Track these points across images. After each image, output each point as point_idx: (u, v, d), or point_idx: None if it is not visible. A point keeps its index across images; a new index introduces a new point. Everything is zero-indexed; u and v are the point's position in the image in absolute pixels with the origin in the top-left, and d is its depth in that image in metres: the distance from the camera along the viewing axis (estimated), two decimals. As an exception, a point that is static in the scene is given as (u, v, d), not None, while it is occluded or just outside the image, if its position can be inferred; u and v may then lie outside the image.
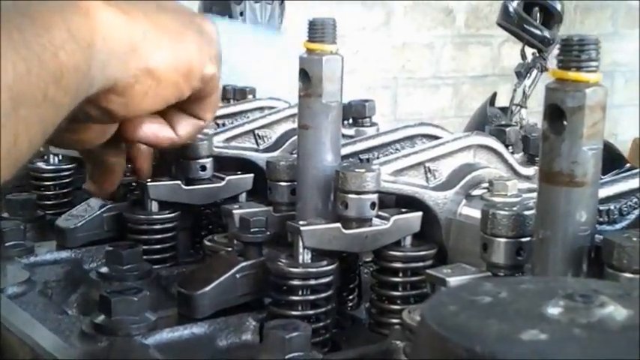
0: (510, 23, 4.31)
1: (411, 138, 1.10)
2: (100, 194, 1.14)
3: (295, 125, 1.25)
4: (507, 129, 1.14)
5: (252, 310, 0.98)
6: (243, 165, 1.23)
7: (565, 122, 0.75)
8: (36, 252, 1.14)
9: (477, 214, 1.00)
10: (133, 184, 1.20)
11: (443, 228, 1.01)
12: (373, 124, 1.35)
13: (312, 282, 0.94)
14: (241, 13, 3.07)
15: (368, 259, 1.08)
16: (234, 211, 1.03)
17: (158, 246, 1.15)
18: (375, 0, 5.06)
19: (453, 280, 0.80)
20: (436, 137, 1.10)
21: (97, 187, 1.07)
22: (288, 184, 1.06)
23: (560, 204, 0.75)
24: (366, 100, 1.36)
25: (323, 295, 0.95)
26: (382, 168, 0.97)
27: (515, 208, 0.83)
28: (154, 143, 0.99)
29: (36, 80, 0.72)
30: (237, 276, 0.96)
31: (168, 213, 1.16)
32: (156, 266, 1.10)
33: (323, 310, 0.95)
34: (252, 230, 0.98)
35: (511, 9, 4.23)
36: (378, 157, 1.08)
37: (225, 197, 1.20)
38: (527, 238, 0.82)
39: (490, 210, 0.83)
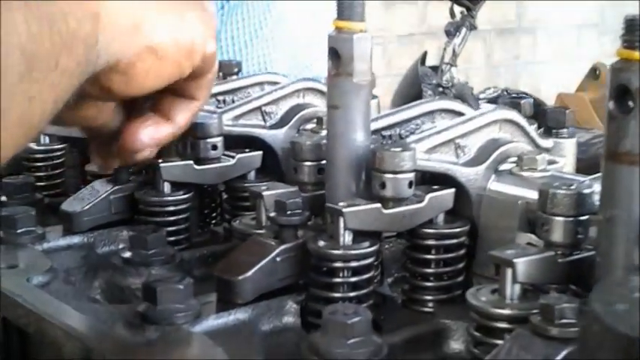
0: (438, -19, 4.32)
1: (430, 113, 1.09)
2: (107, 169, 1.12)
3: (300, 100, 1.25)
4: (522, 101, 1.15)
5: (289, 293, 0.97)
6: (248, 142, 1.21)
7: (632, 103, 0.75)
8: (47, 237, 1.11)
9: (506, 189, 1.01)
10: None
11: (473, 204, 1.01)
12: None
13: (354, 264, 0.93)
14: None
15: (388, 235, 1.09)
16: (265, 193, 1.01)
17: (173, 227, 1.13)
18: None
19: (520, 262, 0.81)
20: (454, 111, 1.10)
21: (103, 162, 1.05)
22: (315, 163, 1.05)
23: (628, 183, 0.76)
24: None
25: (365, 276, 0.94)
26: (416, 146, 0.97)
27: (572, 187, 0.84)
28: (156, 146, 0.97)
29: (49, 45, 0.70)
30: (277, 259, 0.95)
31: (183, 194, 1.13)
32: (173, 248, 1.09)
33: (364, 291, 0.94)
34: (288, 213, 0.97)
35: (439, -32, 4.24)
36: (399, 134, 1.08)
37: (235, 175, 1.18)
38: (586, 217, 0.83)
39: (550, 190, 0.83)
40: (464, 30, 4.89)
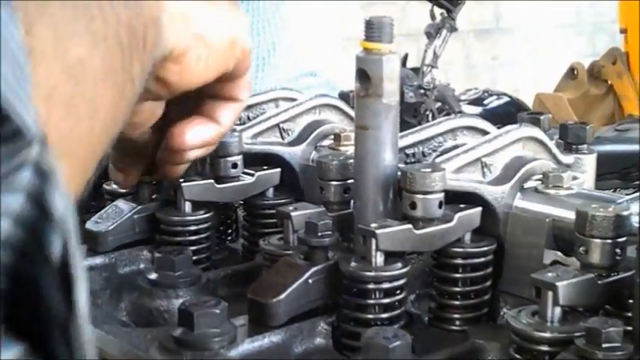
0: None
1: (452, 131, 1.10)
2: (126, 185, 1.12)
3: (317, 117, 1.25)
4: (542, 117, 1.15)
5: (318, 314, 0.97)
6: (266, 159, 1.21)
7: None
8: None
9: (533, 206, 1.02)
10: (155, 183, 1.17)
11: (500, 222, 1.02)
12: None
13: (387, 285, 0.94)
14: None
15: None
16: (293, 214, 1.02)
17: (195, 247, 1.12)
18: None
19: (562, 285, 0.81)
20: (476, 128, 1.11)
21: (124, 177, 1.06)
22: (341, 183, 1.05)
23: (670, 206, 0.77)
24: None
25: (397, 297, 0.95)
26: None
27: (611, 209, 0.84)
28: (204, 144, 0.99)
29: (140, 24, 0.70)
30: (310, 281, 0.95)
31: (204, 213, 1.13)
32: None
33: (397, 312, 0.95)
34: (319, 234, 0.97)
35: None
36: (422, 152, 1.08)
37: (254, 193, 1.18)
38: (624, 238, 0.84)
39: (589, 212, 0.84)
40: (444, 32, 4.92)
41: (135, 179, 1.10)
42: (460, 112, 4.78)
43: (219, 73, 0.94)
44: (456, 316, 1.01)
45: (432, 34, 5.01)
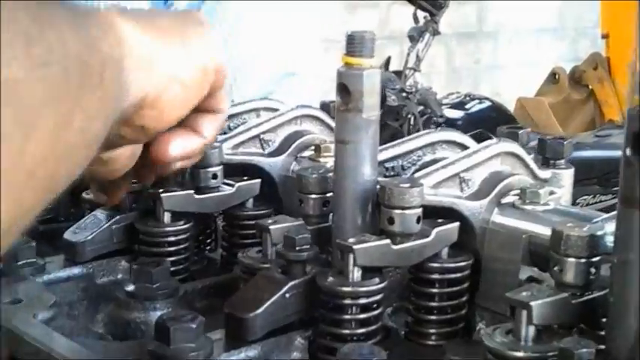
0: (403, -13, 4.35)
1: (432, 144, 1.10)
2: (110, 203, 1.12)
3: (298, 127, 1.25)
4: (520, 132, 1.16)
5: (295, 328, 0.98)
6: (246, 169, 1.21)
7: (649, 149, 0.77)
8: (47, 269, 1.10)
9: (510, 222, 1.02)
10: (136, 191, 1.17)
11: (477, 237, 1.03)
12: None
13: (363, 300, 0.94)
14: None
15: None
16: (272, 227, 1.02)
17: (174, 257, 1.12)
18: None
19: (536, 304, 0.82)
20: (455, 142, 1.11)
21: (108, 199, 1.05)
22: (320, 196, 1.05)
23: (644, 228, 0.78)
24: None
25: (374, 312, 0.95)
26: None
27: (585, 229, 0.85)
28: (188, 156, 0.98)
29: (93, 60, 0.69)
30: (287, 296, 0.96)
31: (184, 223, 1.13)
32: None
33: (373, 327, 0.95)
34: (297, 248, 0.97)
35: (403, -27, 4.27)
36: (402, 165, 1.09)
37: (234, 204, 1.18)
38: (598, 258, 0.85)
39: (564, 231, 0.84)
40: (427, 35, 4.92)
41: (119, 198, 1.08)
42: (442, 115, 4.77)
43: (196, 103, 0.93)
44: (432, 330, 1.01)
45: (415, 37, 5.01)
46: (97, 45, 0.71)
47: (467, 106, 5.15)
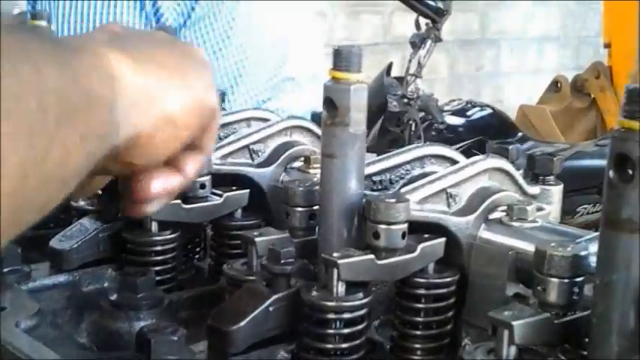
0: (405, -6, 4.35)
1: (420, 159, 1.10)
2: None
3: (288, 138, 1.25)
4: (510, 147, 1.15)
5: (278, 341, 0.97)
6: (235, 180, 1.21)
7: (632, 171, 0.76)
8: (32, 276, 1.10)
9: (496, 238, 1.02)
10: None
11: (464, 252, 1.02)
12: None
13: (347, 315, 0.94)
14: None
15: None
16: (257, 239, 1.01)
17: (160, 267, 1.12)
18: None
19: (518, 324, 0.81)
20: (443, 157, 1.11)
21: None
22: (307, 209, 1.05)
23: (627, 250, 0.77)
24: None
25: (358, 327, 0.95)
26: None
27: (569, 249, 0.85)
28: (168, 194, 0.96)
29: (76, 96, 0.69)
30: (271, 309, 0.95)
31: (171, 233, 1.13)
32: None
33: (357, 342, 0.95)
34: (281, 262, 0.97)
35: (405, -21, 4.28)
36: (390, 179, 1.08)
37: (222, 214, 1.18)
38: (582, 278, 0.84)
39: (547, 251, 0.84)
40: (429, 42, 4.91)
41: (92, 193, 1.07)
42: (443, 122, 4.77)
43: (185, 144, 0.91)
44: (418, 346, 1.01)
45: (416, 43, 5.00)
46: (81, 81, 0.71)
47: (468, 113, 5.15)
